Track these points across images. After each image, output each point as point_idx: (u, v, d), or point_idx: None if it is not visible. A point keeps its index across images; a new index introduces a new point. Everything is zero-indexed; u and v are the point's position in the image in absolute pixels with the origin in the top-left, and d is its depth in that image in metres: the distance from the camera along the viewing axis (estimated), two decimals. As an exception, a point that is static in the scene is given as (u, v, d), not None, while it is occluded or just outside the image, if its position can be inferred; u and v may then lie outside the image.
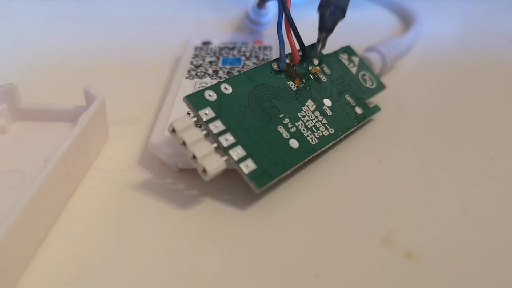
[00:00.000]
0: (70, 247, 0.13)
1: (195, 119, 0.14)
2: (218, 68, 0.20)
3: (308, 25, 0.19)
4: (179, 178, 0.15)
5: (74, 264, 0.12)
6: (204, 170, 0.13)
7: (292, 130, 0.15)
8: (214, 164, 0.13)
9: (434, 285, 0.12)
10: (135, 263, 0.12)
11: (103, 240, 0.13)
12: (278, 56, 0.16)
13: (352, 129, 0.17)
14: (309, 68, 0.17)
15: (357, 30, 0.28)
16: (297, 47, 0.17)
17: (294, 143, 0.15)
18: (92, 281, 0.12)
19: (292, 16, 0.16)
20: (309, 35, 0.18)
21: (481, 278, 0.12)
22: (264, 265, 0.12)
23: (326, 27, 0.18)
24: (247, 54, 0.21)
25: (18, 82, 0.17)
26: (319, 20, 0.18)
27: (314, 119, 0.16)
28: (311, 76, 0.17)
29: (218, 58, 0.21)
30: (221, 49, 0.22)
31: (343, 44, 0.19)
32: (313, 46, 0.18)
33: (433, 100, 0.20)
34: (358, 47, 0.20)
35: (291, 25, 0.16)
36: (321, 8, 0.18)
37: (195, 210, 0.14)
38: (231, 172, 0.14)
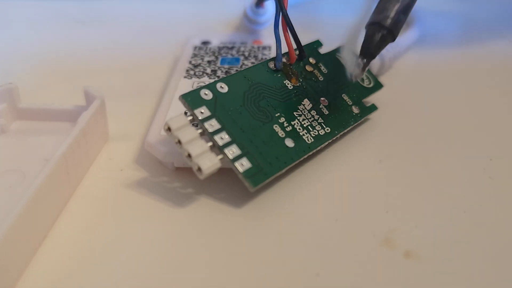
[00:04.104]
0: (70, 247, 0.13)
1: (190, 118, 0.14)
2: (216, 68, 0.20)
3: (305, 24, 0.19)
4: (175, 176, 0.15)
5: (74, 264, 0.12)
6: (199, 169, 0.13)
7: (288, 129, 0.15)
8: (208, 162, 0.13)
9: (434, 285, 0.12)
10: (134, 262, 0.12)
11: (102, 239, 0.13)
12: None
13: (348, 128, 0.17)
14: (306, 67, 0.17)
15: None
16: (294, 46, 0.17)
17: (289, 142, 0.15)
18: (92, 280, 0.12)
19: (289, 15, 0.16)
20: (306, 34, 0.18)
21: (481, 278, 0.12)
22: (261, 264, 0.12)
23: (371, 54, 0.15)
24: (246, 54, 0.21)
25: (18, 82, 0.17)
26: (364, 40, 0.15)
27: (310, 118, 0.16)
28: (307, 75, 0.17)
29: (216, 57, 0.21)
30: (220, 48, 0.22)
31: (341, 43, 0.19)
32: (310, 45, 0.17)
33: (433, 100, 0.20)
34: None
35: (288, 24, 0.16)
36: (371, 28, 0.15)
37: (191, 208, 0.14)
38: (226, 171, 0.14)
